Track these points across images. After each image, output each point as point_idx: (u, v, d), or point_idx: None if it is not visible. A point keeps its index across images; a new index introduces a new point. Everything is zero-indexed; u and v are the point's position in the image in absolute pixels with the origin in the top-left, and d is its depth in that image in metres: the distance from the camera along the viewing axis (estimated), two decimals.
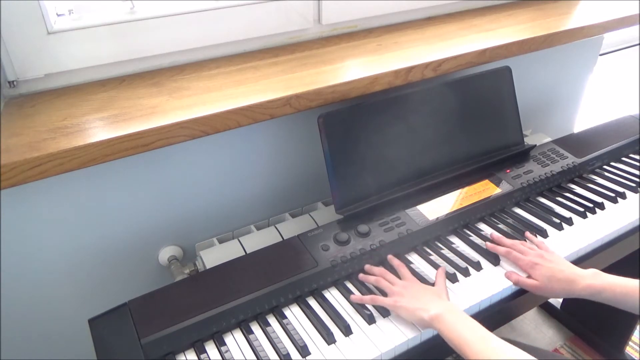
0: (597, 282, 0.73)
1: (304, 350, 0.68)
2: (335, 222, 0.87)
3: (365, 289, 0.78)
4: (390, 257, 0.81)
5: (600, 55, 1.46)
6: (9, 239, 0.81)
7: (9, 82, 0.80)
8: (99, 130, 0.72)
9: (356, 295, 0.76)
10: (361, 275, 0.79)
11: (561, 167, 1.03)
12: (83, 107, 0.79)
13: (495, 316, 0.77)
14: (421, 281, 0.77)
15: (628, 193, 0.99)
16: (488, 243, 0.85)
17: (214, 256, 0.89)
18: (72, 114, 0.77)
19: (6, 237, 0.80)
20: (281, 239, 0.92)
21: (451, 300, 0.73)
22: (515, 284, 0.78)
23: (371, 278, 0.77)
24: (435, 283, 0.76)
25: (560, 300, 1.52)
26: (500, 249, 0.83)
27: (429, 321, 0.68)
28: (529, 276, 0.78)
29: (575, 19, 1.15)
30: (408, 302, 0.71)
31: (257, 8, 0.95)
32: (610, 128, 1.17)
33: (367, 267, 0.80)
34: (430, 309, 0.68)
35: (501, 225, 0.90)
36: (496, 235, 0.86)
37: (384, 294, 0.75)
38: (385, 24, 1.13)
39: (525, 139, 1.08)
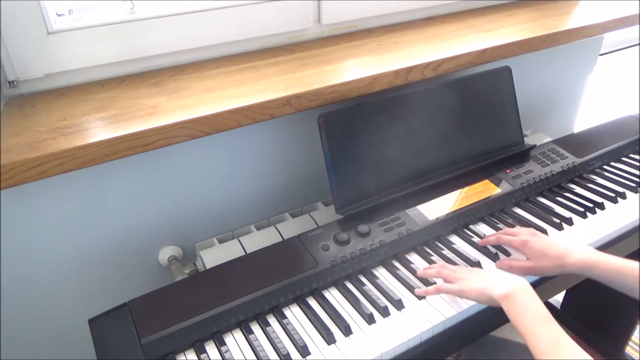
0: (590, 257, 0.73)
1: (304, 350, 0.68)
2: (335, 222, 0.87)
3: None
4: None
5: (600, 55, 1.46)
6: (9, 239, 0.81)
7: (9, 82, 0.80)
8: (99, 130, 0.72)
9: (421, 288, 0.76)
10: (420, 272, 0.79)
11: (561, 167, 1.03)
12: (83, 107, 0.79)
13: (496, 315, 0.77)
14: None
15: (628, 193, 0.99)
16: (479, 240, 0.86)
17: (214, 256, 0.89)
18: (72, 114, 0.77)
19: (6, 237, 0.80)
20: (281, 239, 0.92)
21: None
22: (509, 269, 0.79)
23: (432, 271, 0.77)
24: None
25: (560, 300, 1.52)
26: (490, 239, 0.85)
27: (498, 300, 0.66)
28: (526, 259, 0.79)
29: (575, 19, 1.15)
30: (473, 283, 0.70)
31: (257, 8, 0.95)
32: (610, 128, 1.17)
33: (425, 267, 0.80)
34: (498, 287, 0.67)
35: (501, 225, 0.90)
36: (482, 240, 0.86)
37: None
38: (385, 24, 1.13)
39: (525, 139, 1.08)
